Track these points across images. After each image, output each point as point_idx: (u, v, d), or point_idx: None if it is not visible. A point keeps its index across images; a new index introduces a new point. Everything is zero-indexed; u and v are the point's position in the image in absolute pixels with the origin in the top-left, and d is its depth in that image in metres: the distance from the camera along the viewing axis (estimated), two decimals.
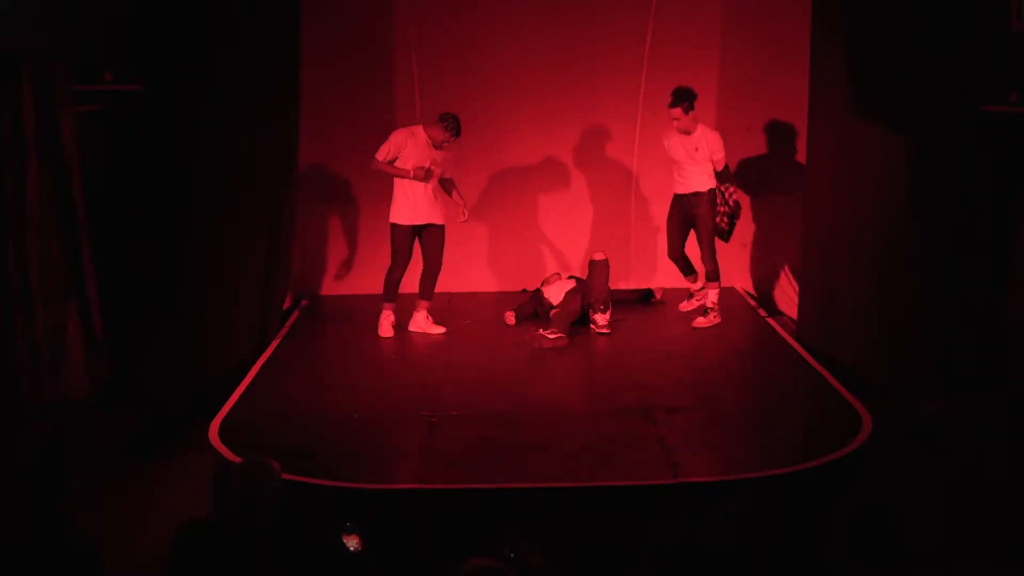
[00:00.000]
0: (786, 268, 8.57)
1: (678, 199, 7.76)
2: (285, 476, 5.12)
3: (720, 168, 7.60)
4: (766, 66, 8.25)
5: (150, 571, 3.54)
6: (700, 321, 7.71)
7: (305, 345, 7.63)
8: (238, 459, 4.28)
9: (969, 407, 6.45)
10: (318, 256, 8.84)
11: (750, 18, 8.35)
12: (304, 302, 8.68)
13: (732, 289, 8.71)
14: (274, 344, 7.50)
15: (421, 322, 7.68)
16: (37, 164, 5.93)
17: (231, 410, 6.20)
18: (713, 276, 7.70)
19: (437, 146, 7.35)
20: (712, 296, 7.72)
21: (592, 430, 5.88)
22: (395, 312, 7.62)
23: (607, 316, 7.67)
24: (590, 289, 7.73)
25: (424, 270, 7.59)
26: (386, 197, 7.45)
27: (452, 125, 7.28)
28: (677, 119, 7.41)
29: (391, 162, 7.31)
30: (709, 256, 7.68)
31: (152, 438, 6.29)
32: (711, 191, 7.60)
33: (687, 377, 6.78)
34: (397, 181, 7.38)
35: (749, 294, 8.71)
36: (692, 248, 7.93)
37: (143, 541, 5.02)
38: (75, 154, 6.06)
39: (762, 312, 8.24)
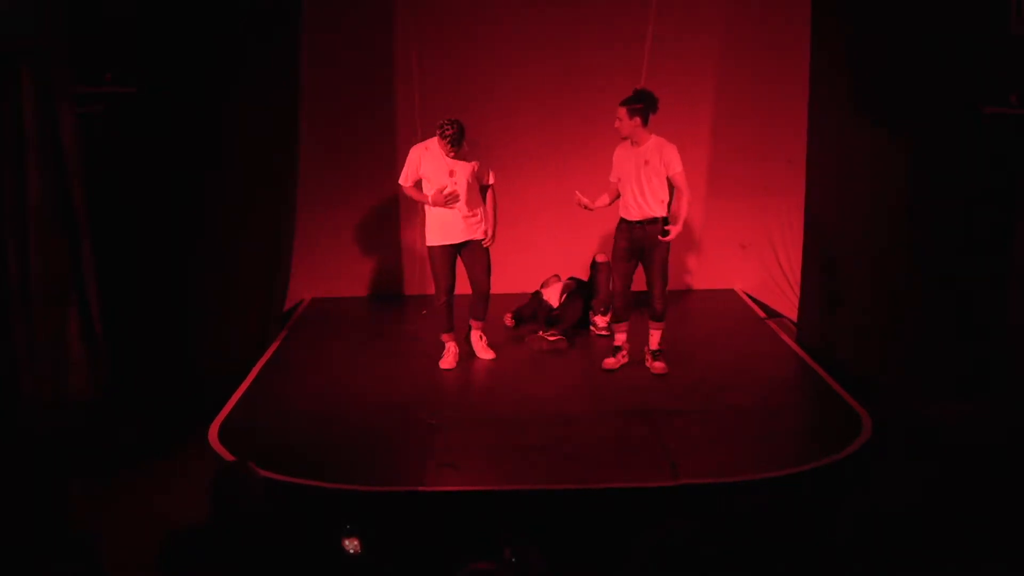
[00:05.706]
0: (785, 270, 8.55)
1: (626, 226, 6.71)
2: (285, 478, 5.16)
3: (681, 186, 6.54)
4: (766, 66, 8.26)
5: (150, 572, 3.54)
6: (609, 362, 6.89)
7: (305, 346, 7.63)
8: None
9: (968, 407, 6.45)
10: (318, 257, 8.83)
11: (750, 18, 8.35)
12: (304, 304, 8.67)
13: (732, 291, 8.72)
14: (274, 346, 7.51)
15: (474, 343, 7.23)
16: (37, 164, 5.92)
17: (231, 412, 6.22)
18: (661, 317, 6.79)
19: (455, 156, 6.65)
20: (655, 338, 6.82)
21: (592, 432, 5.89)
22: (456, 341, 7.05)
23: (608, 318, 7.67)
24: (591, 291, 7.72)
25: (473, 292, 7.02)
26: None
27: (445, 131, 6.49)
28: (618, 119, 6.49)
29: (417, 184, 6.76)
30: (661, 294, 6.73)
31: (152, 439, 6.29)
32: (665, 219, 6.61)
33: (687, 379, 6.78)
34: None
35: (748, 296, 8.71)
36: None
37: (143, 542, 5.01)
38: (75, 154, 6.04)
39: (761, 314, 8.24)
